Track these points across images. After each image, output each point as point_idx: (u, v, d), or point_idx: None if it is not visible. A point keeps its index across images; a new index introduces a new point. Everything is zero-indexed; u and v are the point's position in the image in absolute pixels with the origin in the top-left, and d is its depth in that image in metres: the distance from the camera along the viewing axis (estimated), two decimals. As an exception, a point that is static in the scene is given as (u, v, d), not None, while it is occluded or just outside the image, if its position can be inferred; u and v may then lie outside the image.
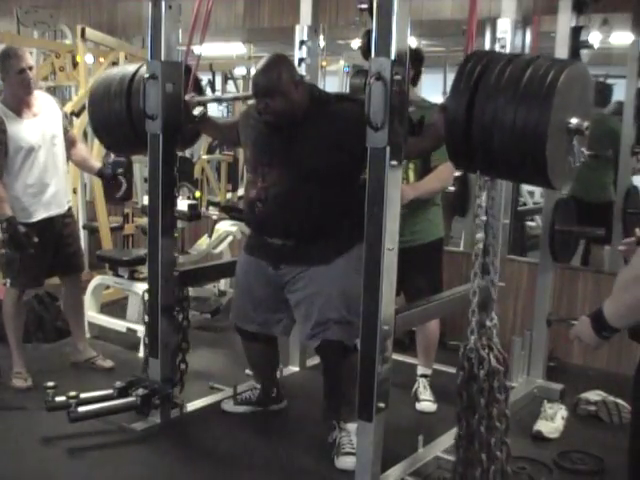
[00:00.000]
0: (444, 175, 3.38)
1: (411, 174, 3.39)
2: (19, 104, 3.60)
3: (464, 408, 2.53)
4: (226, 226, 4.81)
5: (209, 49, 3.32)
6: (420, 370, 3.71)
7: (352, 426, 2.97)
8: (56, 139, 3.72)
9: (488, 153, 2.25)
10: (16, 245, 3.53)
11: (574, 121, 2.22)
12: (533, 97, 2.15)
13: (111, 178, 3.86)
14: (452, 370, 3.85)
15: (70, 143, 3.87)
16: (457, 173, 5.03)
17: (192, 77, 3.28)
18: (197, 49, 3.32)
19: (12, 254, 3.62)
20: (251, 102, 3.23)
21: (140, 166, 5.77)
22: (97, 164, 3.96)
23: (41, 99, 3.72)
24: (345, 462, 2.95)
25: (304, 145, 2.92)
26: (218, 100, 5.48)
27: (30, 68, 3.56)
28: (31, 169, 3.62)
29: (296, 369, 4.04)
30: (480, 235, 2.62)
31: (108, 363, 4.01)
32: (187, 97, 3.22)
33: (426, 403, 3.60)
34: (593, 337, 1.81)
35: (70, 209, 3.91)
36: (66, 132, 3.83)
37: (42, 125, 3.66)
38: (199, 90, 3.49)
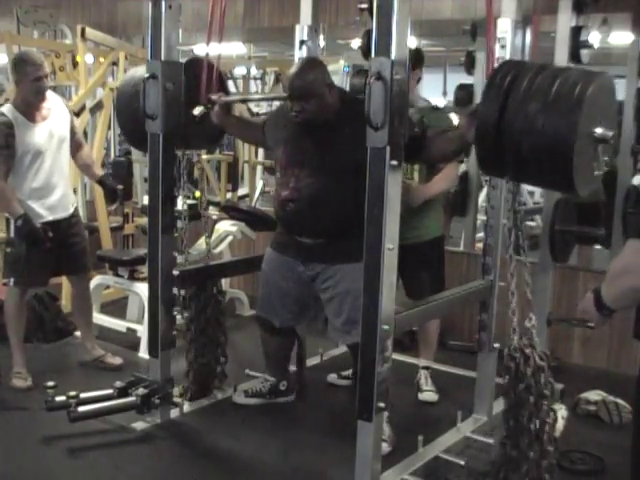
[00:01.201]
0: (451, 176, 3.57)
1: (416, 175, 3.49)
2: (29, 108, 3.62)
3: (512, 407, 2.58)
4: (226, 226, 4.81)
5: (209, 49, 3.32)
6: (421, 362, 3.78)
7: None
8: (63, 142, 3.74)
9: (517, 159, 2.34)
10: (34, 240, 3.55)
11: (599, 131, 2.30)
12: (562, 106, 2.24)
13: (111, 191, 3.89)
14: (452, 370, 3.88)
15: (76, 146, 3.88)
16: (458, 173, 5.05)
17: (216, 75, 3.28)
18: (202, 48, 3.32)
19: (17, 253, 3.65)
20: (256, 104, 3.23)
21: (140, 166, 5.78)
22: (99, 172, 3.96)
23: (51, 101, 3.73)
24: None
25: (336, 146, 2.99)
26: (245, 100, 5.47)
27: (46, 76, 3.60)
28: (37, 172, 3.64)
29: (296, 369, 4.03)
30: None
31: (117, 360, 4.02)
32: (214, 96, 3.24)
33: (428, 393, 3.68)
34: (595, 314, 1.93)
35: (76, 209, 3.92)
36: (73, 135, 3.85)
37: (50, 128, 3.67)
38: (224, 89, 3.50)
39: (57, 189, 3.71)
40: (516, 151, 2.32)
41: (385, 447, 3.02)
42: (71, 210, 3.83)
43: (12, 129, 3.55)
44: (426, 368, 3.77)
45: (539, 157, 2.29)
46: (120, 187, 3.89)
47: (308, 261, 3.17)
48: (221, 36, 3.25)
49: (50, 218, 3.68)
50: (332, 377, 3.94)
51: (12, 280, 3.74)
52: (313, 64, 3.05)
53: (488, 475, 2.67)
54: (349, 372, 3.89)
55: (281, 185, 3.14)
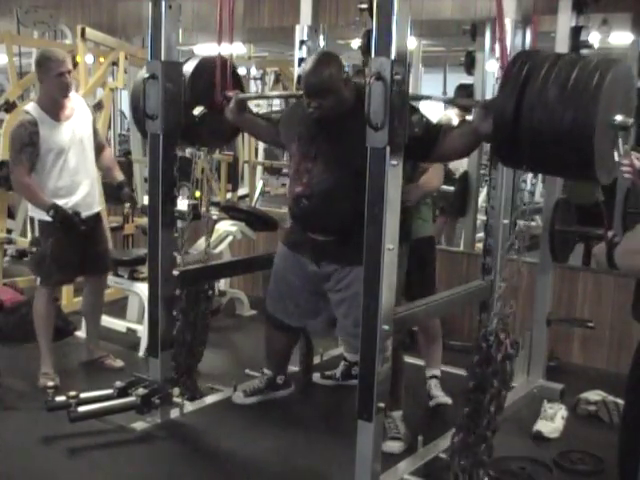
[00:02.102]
0: (440, 175, 3.51)
1: None
2: (54, 106, 3.64)
3: (476, 388, 2.64)
4: (226, 226, 4.81)
5: (209, 49, 3.32)
6: (428, 372, 3.68)
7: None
8: (85, 141, 3.76)
9: (536, 149, 2.34)
10: (69, 226, 3.59)
11: (619, 118, 2.31)
12: (581, 94, 2.23)
13: (127, 198, 3.93)
14: (452, 370, 3.86)
15: (98, 148, 3.91)
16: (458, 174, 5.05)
17: (230, 73, 3.30)
18: (206, 48, 3.33)
19: (43, 251, 3.68)
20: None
21: (140, 166, 5.77)
22: (120, 176, 3.96)
23: (74, 101, 3.76)
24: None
25: (349, 141, 2.95)
26: (262, 97, 5.45)
27: (69, 72, 3.62)
28: (62, 171, 3.67)
29: (295, 369, 4.03)
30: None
31: (118, 363, 4.03)
32: (231, 94, 3.26)
33: (441, 397, 3.58)
34: (605, 263, 2.23)
35: (100, 212, 3.94)
36: (95, 136, 3.87)
37: (73, 127, 3.70)
38: (240, 87, 3.50)
39: (81, 188, 3.73)
40: (535, 140, 2.31)
41: (401, 445, 3.12)
42: (95, 210, 3.85)
43: (36, 127, 3.58)
44: (434, 377, 3.67)
45: (559, 145, 2.28)
46: (135, 202, 3.96)
47: (321, 260, 3.16)
48: (232, 36, 3.26)
49: None
50: (315, 376, 3.93)
51: (38, 280, 3.78)
52: (328, 59, 2.98)
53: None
54: (332, 372, 3.91)
55: (294, 181, 3.12)
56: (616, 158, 2.37)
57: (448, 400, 3.56)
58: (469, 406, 2.67)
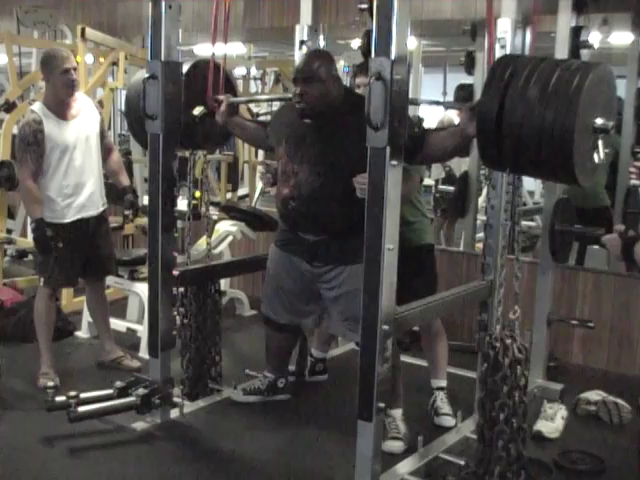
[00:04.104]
0: (408, 185, 3.27)
1: None
2: (59, 105, 3.65)
3: (487, 395, 2.65)
4: (226, 226, 4.81)
5: (209, 49, 3.32)
6: (434, 383, 3.52)
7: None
8: (91, 141, 3.76)
9: (517, 151, 2.35)
10: (40, 248, 3.61)
11: (599, 121, 2.31)
12: (561, 97, 2.24)
13: (128, 205, 3.92)
14: (452, 370, 3.86)
15: (106, 150, 3.90)
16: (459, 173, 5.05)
17: (223, 76, 3.31)
18: (205, 48, 3.33)
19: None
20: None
21: (140, 166, 5.77)
22: (125, 181, 3.96)
23: (81, 101, 3.76)
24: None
25: (336, 142, 3.00)
26: (252, 101, 5.48)
27: (75, 69, 3.63)
28: (67, 170, 3.67)
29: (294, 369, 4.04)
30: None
31: (135, 363, 4.02)
32: (221, 97, 3.28)
33: (445, 417, 3.39)
34: (619, 255, 2.28)
35: (105, 211, 3.93)
36: (103, 138, 3.87)
37: (79, 126, 3.70)
38: (232, 90, 3.50)
39: (86, 187, 3.74)
40: (516, 142, 2.32)
41: (401, 446, 3.11)
42: (100, 209, 3.85)
43: (41, 125, 3.58)
44: (441, 389, 3.50)
45: (540, 146, 2.29)
46: (137, 210, 3.95)
47: (314, 260, 3.17)
48: (226, 36, 3.26)
49: (78, 216, 3.71)
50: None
51: (42, 280, 3.78)
52: (322, 54, 3.12)
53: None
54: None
55: (282, 183, 3.15)
56: (596, 161, 2.36)
57: (452, 421, 3.35)
58: (483, 416, 2.65)
